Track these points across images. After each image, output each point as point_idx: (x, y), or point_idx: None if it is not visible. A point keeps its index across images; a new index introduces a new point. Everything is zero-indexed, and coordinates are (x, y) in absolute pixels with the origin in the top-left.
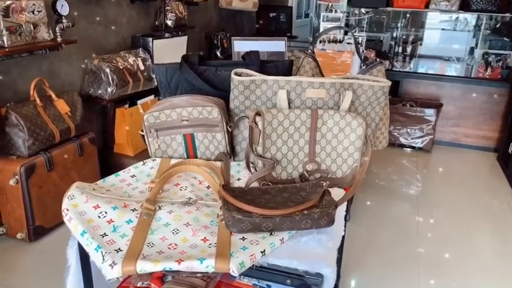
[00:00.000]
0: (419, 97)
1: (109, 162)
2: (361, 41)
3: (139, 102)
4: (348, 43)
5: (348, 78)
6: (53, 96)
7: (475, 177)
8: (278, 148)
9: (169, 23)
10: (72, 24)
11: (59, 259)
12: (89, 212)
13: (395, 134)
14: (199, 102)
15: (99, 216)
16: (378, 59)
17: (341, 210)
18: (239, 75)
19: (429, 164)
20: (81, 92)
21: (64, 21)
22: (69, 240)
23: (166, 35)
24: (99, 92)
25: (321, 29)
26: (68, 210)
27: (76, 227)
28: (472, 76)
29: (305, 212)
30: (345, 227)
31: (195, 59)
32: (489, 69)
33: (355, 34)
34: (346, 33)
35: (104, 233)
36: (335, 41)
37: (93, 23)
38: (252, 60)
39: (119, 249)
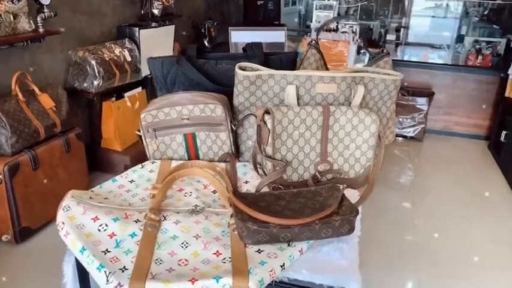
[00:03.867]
0: (411, 86)
1: (97, 158)
2: (355, 29)
3: (126, 94)
4: (343, 32)
5: (357, 72)
6: (36, 90)
7: (467, 166)
8: (289, 148)
9: (155, 11)
10: (54, 14)
11: (47, 260)
12: (87, 225)
13: None
14: (200, 99)
15: (99, 230)
16: (384, 50)
17: None
18: (243, 69)
19: (421, 153)
20: (66, 85)
21: (46, 10)
22: (65, 256)
23: (153, 24)
24: (85, 85)
25: (313, 18)
26: (63, 223)
27: (74, 243)
28: (463, 64)
29: (325, 220)
30: None
31: (192, 52)
32: (480, 57)
33: (348, 23)
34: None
35: (106, 249)
36: (329, 30)
37: (76, 12)
38: (254, 53)
39: (124, 267)
